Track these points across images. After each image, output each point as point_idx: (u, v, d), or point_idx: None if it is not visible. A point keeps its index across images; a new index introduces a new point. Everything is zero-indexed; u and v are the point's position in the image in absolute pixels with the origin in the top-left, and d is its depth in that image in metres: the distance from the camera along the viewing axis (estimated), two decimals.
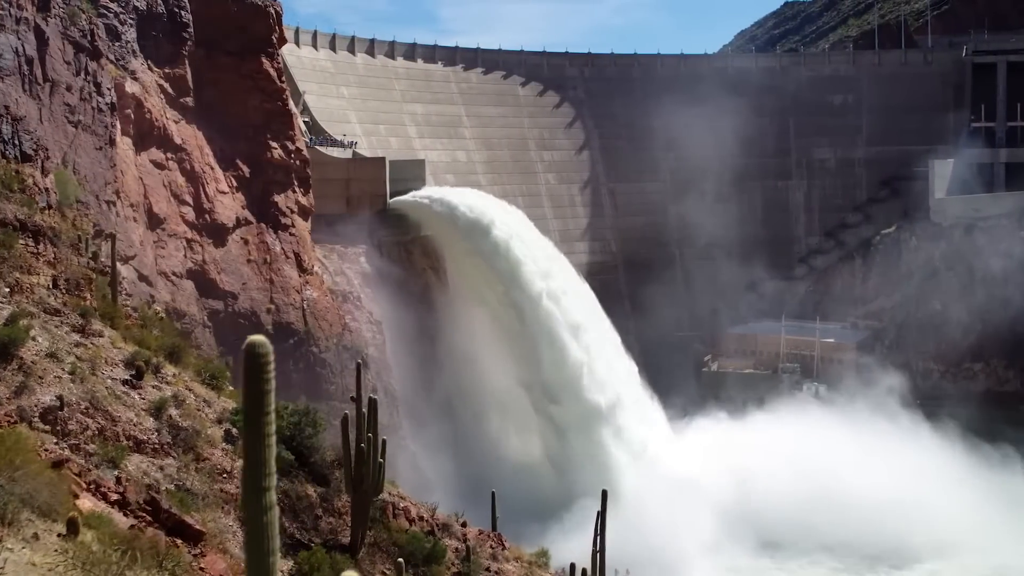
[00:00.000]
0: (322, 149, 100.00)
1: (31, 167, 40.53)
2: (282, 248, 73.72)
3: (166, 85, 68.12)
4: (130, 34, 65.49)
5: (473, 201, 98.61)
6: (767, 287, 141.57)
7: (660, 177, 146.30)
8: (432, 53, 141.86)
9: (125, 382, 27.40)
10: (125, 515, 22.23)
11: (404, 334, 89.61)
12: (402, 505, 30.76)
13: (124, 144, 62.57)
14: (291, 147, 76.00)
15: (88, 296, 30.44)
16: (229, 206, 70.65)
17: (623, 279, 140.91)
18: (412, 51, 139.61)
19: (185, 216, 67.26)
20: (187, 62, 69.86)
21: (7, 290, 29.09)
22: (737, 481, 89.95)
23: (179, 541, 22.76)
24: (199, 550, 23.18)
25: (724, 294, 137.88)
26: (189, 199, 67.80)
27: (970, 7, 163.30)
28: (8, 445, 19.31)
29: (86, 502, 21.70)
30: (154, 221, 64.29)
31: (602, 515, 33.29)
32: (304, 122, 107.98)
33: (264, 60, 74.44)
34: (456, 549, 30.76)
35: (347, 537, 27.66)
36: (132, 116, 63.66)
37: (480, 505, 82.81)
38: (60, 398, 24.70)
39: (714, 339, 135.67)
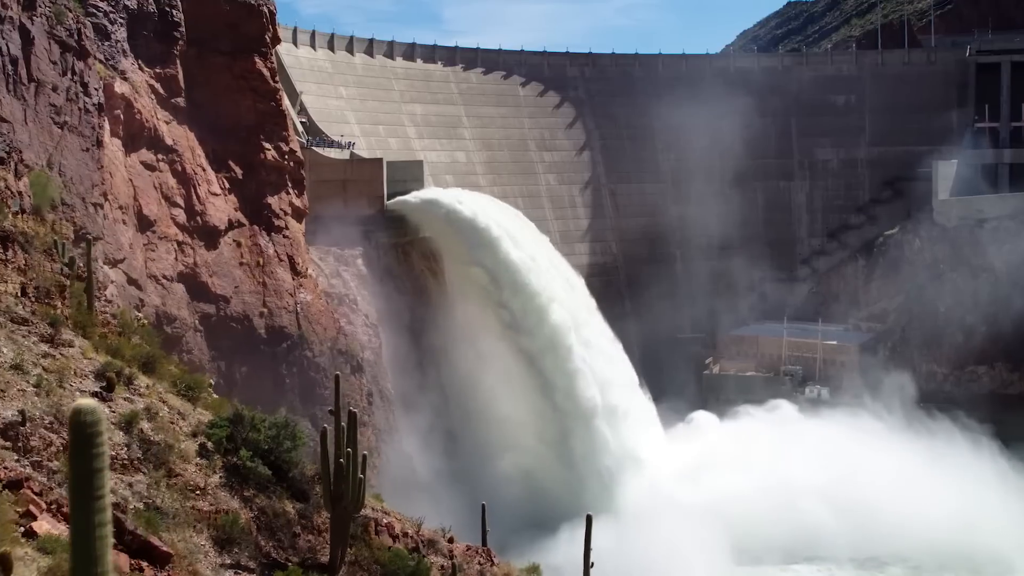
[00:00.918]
0: (319, 150, 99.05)
1: (3, 170, 39.43)
2: (275, 250, 72.63)
3: (157, 85, 67.01)
4: (120, 33, 64.41)
5: (472, 202, 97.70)
6: (769, 288, 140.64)
7: (661, 178, 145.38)
8: (432, 53, 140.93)
9: (94, 394, 26.26)
10: None
11: (401, 337, 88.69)
12: (385, 521, 29.66)
13: (113, 145, 61.51)
14: (285, 148, 74.86)
15: (59, 304, 29.34)
16: (221, 208, 69.54)
17: (624, 280, 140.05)
18: (411, 51, 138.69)
19: (176, 218, 66.17)
20: (179, 62, 68.72)
21: None
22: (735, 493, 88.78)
23: (144, 564, 21.73)
24: (166, 573, 22.15)
25: (725, 295, 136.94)
26: (180, 201, 66.70)
27: (974, 6, 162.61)
28: None
29: (44, 524, 20.64)
30: (144, 223, 63.20)
31: (587, 540, 32.12)
32: (301, 123, 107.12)
33: (257, 60, 73.29)
34: (442, 567, 29.68)
35: (326, 555, 26.59)
36: (122, 117, 62.59)
37: (476, 509, 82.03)
38: (22, 412, 23.60)
39: (715, 341, 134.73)
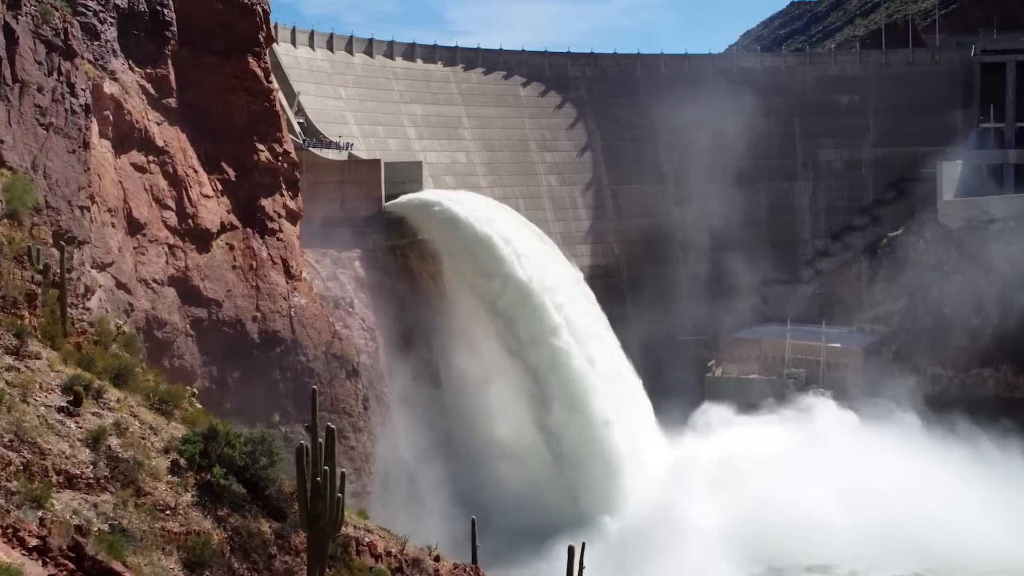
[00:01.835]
0: (316, 151, 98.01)
1: None
2: (269, 254, 71.47)
3: (148, 86, 65.88)
4: (110, 33, 63.30)
5: (472, 204, 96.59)
6: (772, 290, 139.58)
7: (663, 178, 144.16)
8: (432, 53, 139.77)
9: (60, 409, 25.16)
10: (43, 564, 19.96)
11: (399, 340, 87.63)
12: (367, 540, 28.49)
13: (102, 147, 60.42)
14: (279, 149, 73.70)
15: (27, 314, 28.18)
16: (214, 210, 68.41)
17: (625, 282, 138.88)
18: (411, 51, 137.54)
19: (167, 221, 65.04)
20: (170, 62, 67.57)
21: None
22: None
23: None
24: None
25: (728, 297, 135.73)
26: (172, 203, 65.56)
27: (978, 6, 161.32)
28: None
29: None
30: (134, 226, 62.08)
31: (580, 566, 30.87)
32: (299, 123, 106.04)
33: (251, 60, 72.11)
34: None
35: None
36: (111, 118, 61.46)
37: (475, 515, 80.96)
38: None
39: (718, 343, 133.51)
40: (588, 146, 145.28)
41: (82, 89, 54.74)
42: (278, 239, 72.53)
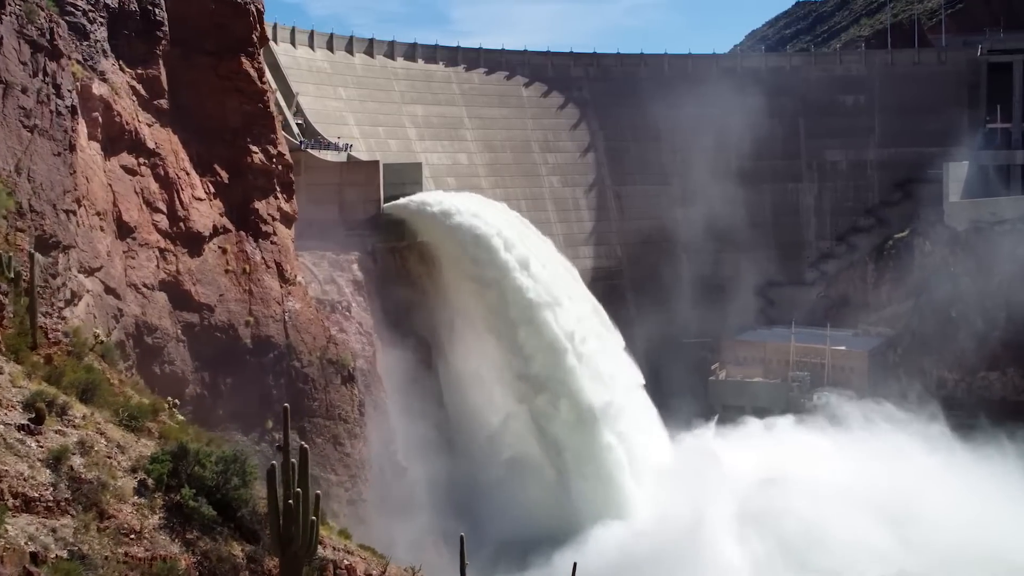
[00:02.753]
0: (314, 152, 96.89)
1: None
2: (263, 257, 70.21)
3: (139, 86, 64.59)
4: (100, 33, 62.04)
5: (472, 206, 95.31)
6: (776, 292, 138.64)
7: (667, 180, 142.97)
8: (433, 53, 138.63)
9: (21, 428, 23.91)
10: None
11: (397, 345, 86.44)
12: (347, 562, 27.21)
13: (91, 149, 59.20)
14: (273, 151, 72.42)
15: None
16: (206, 213, 67.15)
17: (628, 284, 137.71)
18: (413, 51, 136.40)
19: (158, 224, 63.76)
20: (161, 62, 66.28)
21: None
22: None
23: None
24: None
25: (732, 299, 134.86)
26: (163, 206, 64.28)
27: (985, 5, 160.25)
28: None
29: None
30: (124, 230, 60.80)
31: None
32: (297, 124, 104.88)
33: (244, 60, 70.82)
34: None
35: None
36: (100, 119, 60.21)
37: (474, 522, 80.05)
38: None
39: (721, 346, 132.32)
40: (591, 147, 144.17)
41: (68, 90, 53.54)
42: (272, 242, 71.27)
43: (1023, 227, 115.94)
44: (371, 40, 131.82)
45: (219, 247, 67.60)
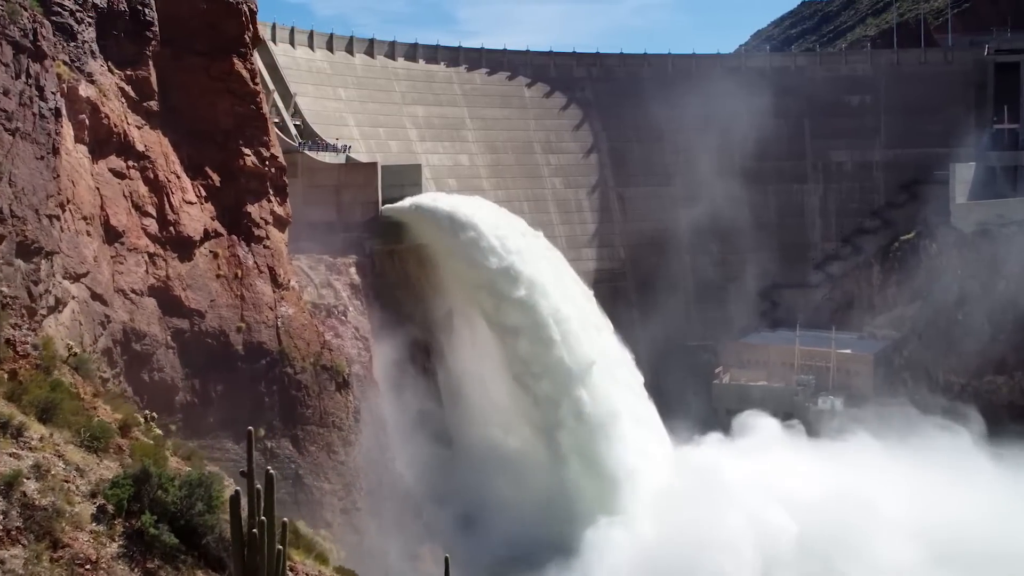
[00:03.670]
0: (312, 154, 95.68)
1: None
2: (255, 262, 68.90)
3: (128, 88, 63.26)
4: (88, 34, 60.73)
5: (471, 207, 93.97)
6: (781, 295, 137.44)
7: (670, 181, 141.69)
8: (434, 53, 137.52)
9: None
10: None
11: (394, 349, 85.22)
12: None
13: (78, 152, 57.90)
14: (266, 153, 71.08)
15: None
16: (197, 217, 65.83)
17: (631, 286, 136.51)
18: (414, 51, 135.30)
19: (147, 229, 62.45)
20: (151, 63, 64.95)
21: None
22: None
23: None
24: None
25: (736, 302, 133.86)
26: (152, 210, 62.96)
27: (992, 5, 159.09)
28: None
29: None
30: (112, 235, 59.49)
31: None
32: (295, 125, 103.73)
33: (236, 61, 69.52)
34: None
35: None
36: (87, 122, 58.88)
37: (473, 531, 78.87)
38: None
39: (725, 349, 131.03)
40: (594, 148, 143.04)
41: (52, 92, 52.23)
42: (265, 247, 69.97)
43: None
44: (371, 40, 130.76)
45: (210, 251, 66.32)
